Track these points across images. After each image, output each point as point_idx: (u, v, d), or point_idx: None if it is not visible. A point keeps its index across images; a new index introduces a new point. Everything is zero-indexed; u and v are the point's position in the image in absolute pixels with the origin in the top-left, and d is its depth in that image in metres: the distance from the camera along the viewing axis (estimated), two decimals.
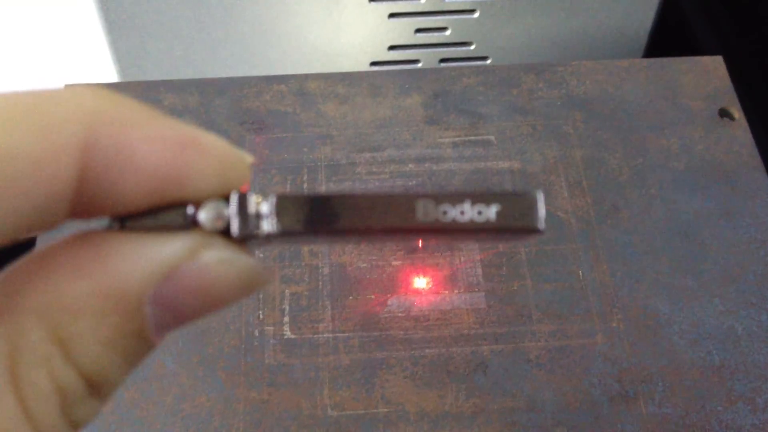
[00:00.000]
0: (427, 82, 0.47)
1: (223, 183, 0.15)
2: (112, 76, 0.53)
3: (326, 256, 0.41)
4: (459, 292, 0.40)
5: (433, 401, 0.37)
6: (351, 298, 0.39)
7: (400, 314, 0.39)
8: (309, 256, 0.41)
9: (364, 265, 0.40)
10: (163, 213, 0.15)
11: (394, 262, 0.41)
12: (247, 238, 0.15)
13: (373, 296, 0.40)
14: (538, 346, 0.38)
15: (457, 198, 0.16)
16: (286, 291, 0.39)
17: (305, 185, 0.43)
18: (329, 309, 0.39)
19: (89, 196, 0.14)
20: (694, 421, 0.36)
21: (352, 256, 0.41)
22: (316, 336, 0.38)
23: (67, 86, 0.12)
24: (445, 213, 0.16)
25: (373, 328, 0.39)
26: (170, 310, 0.15)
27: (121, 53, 0.52)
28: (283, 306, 0.39)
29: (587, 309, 0.39)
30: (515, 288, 0.40)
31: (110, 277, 0.14)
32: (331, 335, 0.38)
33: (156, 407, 0.36)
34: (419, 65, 0.57)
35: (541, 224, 0.16)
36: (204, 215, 0.15)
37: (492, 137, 0.45)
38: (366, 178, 0.43)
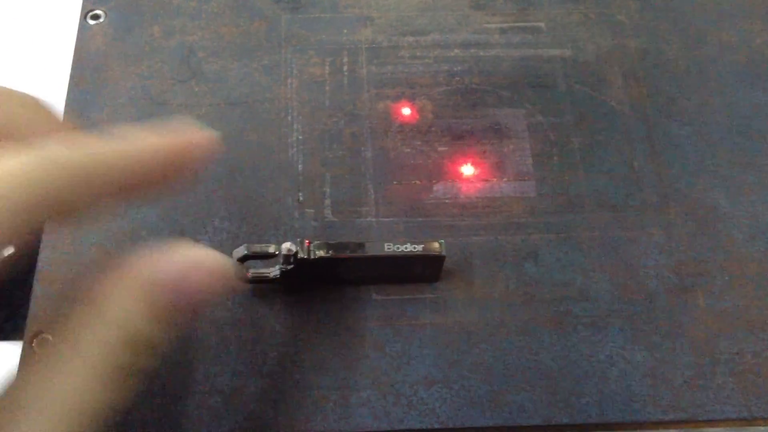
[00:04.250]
0: None
1: None
2: None
3: (368, 139, 0.38)
4: (508, 180, 0.38)
5: (482, 288, 0.35)
6: (395, 182, 0.37)
7: (446, 201, 0.37)
8: (351, 139, 0.38)
9: (408, 150, 0.38)
10: None
11: (440, 148, 0.38)
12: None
13: (418, 182, 0.37)
14: (592, 236, 0.36)
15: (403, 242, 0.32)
16: (327, 174, 0.37)
17: (345, 67, 0.40)
18: (372, 193, 0.37)
19: None
20: (754, 315, 0.35)
21: (395, 140, 0.38)
22: (359, 220, 0.36)
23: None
24: (398, 248, 0.32)
25: (418, 213, 0.37)
26: None
27: None
28: (324, 189, 0.37)
29: (642, 200, 0.37)
30: (567, 177, 0.38)
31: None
32: (374, 219, 0.36)
33: None
34: None
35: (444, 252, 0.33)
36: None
37: (542, 24, 0.43)
38: (409, 62, 0.41)
